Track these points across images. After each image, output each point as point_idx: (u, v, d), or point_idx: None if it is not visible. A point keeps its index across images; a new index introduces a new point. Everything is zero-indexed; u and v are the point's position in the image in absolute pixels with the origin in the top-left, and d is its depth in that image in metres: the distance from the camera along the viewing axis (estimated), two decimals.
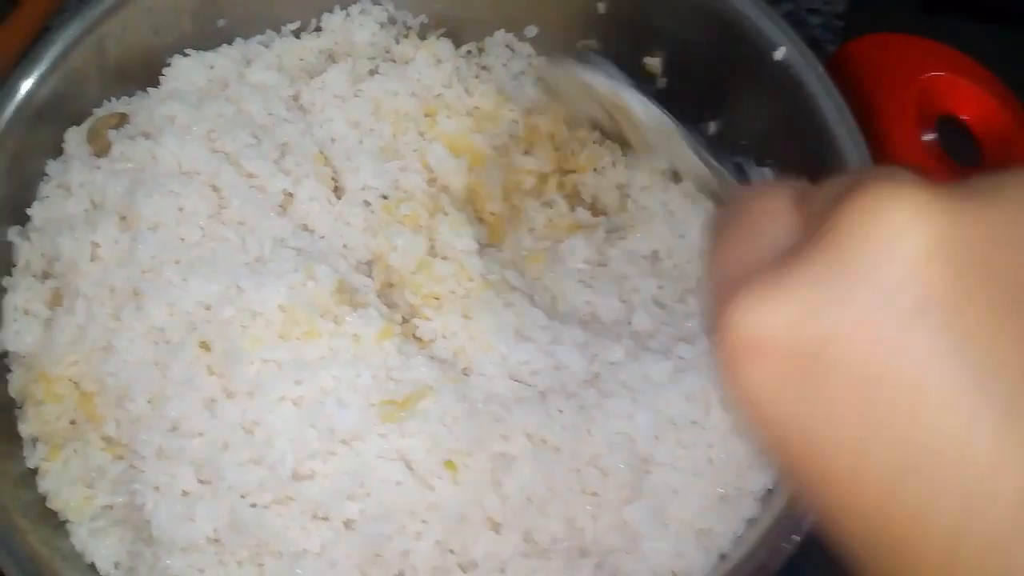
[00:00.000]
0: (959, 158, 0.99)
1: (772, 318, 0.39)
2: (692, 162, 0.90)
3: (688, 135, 0.91)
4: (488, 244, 1.00)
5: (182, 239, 0.91)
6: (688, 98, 1.07)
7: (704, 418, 0.92)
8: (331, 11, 1.13)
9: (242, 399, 0.84)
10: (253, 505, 0.83)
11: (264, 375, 0.84)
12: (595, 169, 1.07)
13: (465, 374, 0.89)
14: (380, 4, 1.14)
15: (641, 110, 0.93)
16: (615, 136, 1.05)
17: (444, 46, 1.11)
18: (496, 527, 0.85)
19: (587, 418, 0.89)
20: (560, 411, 0.88)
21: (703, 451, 0.91)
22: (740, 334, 0.40)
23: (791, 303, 0.39)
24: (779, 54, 0.95)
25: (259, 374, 0.84)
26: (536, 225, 1.04)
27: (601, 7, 1.08)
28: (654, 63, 1.10)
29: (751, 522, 0.88)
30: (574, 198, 1.08)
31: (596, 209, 1.07)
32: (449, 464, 0.84)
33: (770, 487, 0.89)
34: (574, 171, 1.08)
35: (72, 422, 0.90)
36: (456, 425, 0.85)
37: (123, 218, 0.93)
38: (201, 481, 0.84)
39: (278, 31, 1.13)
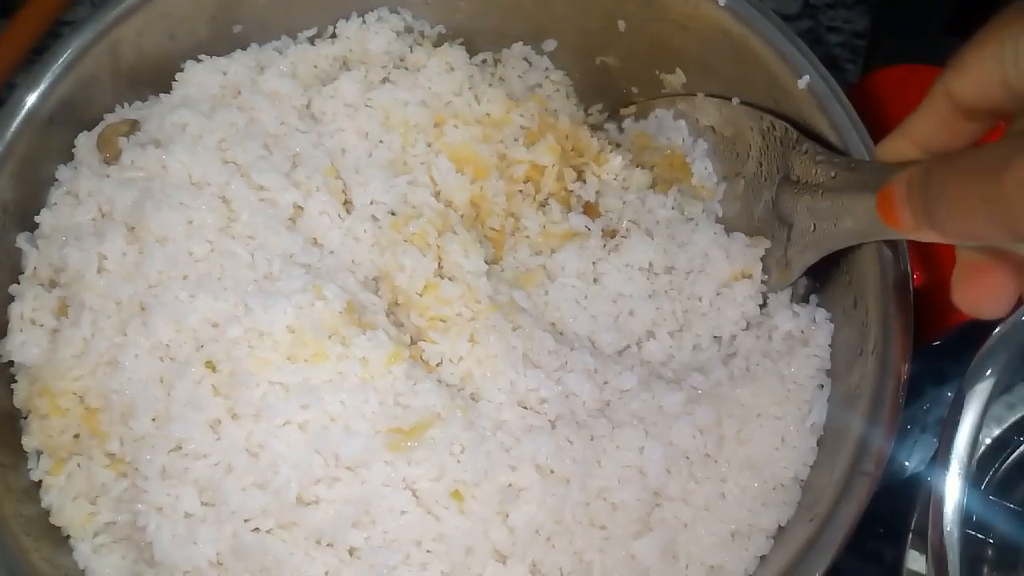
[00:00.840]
0: None
1: None
2: None
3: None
4: (492, 262, 0.99)
5: (190, 253, 0.90)
6: None
7: (717, 451, 0.91)
8: (347, 18, 1.11)
9: (247, 422, 0.83)
10: (256, 530, 0.82)
11: (270, 398, 0.83)
12: (597, 164, 1.06)
13: (473, 399, 0.88)
14: (398, 12, 1.12)
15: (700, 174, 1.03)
16: None
17: (458, 54, 1.09)
18: (503, 559, 0.84)
19: (597, 449, 0.88)
20: (570, 442, 0.87)
21: (715, 486, 0.90)
22: None
23: None
24: (803, 82, 0.93)
25: (265, 397, 0.83)
26: (531, 234, 1.02)
27: (621, 25, 1.06)
28: (673, 79, 1.08)
29: (763, 560, 0.87)
30: (569, 202, 1.06)
31: (593, 210, 1.05)
32: (456, 494, 0.83)
33: (783, 524, 0.88)
34: (581, 164, 1.06)
35: (76, 436, 0.89)
36: (464, 455, 0.83)
37: (131, 229, 0.92)
38: (204, 503, 0.83)
39: (294, 37, 1.11)
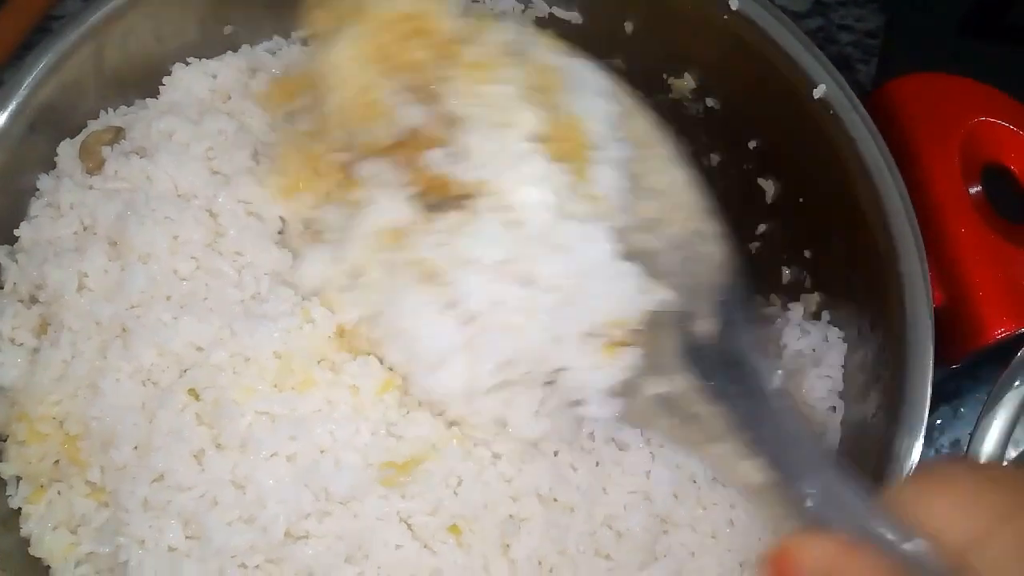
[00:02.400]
0: (1006, 212, 0.93)
1: None
2: None
3: None
4: None
5: (175, 271, 0.86)
6: (718, 121, 1.02)
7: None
8: None
9: (233, 453, 0.78)
10: (243, 566, 0.78)
11: (256, 428, 0.78)
12: None
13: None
14: None
15: None
16: None
17: None
18: None
19: (603, 475, 0.84)
20: (574, 469, 0.83)
21: (724, 512, 0.86)
22: None
23: None
24: (819, 92, 0.89)
25: (251, 427, 0.79)
26: None
27: (628, 27, 1.02)
28: (682, 84, 1.04)
29: None
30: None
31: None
32: (454, 528, 0.79)
33: None
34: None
35: (56, 463, 0.85)
36: (461, 487, 0.80)
37: (114, 244, 0.88)
38: (188, 537, 0.79)
39: (287, 38, 1.06)
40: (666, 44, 1.01)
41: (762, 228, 1.02)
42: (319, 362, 0.81)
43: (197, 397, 0.80)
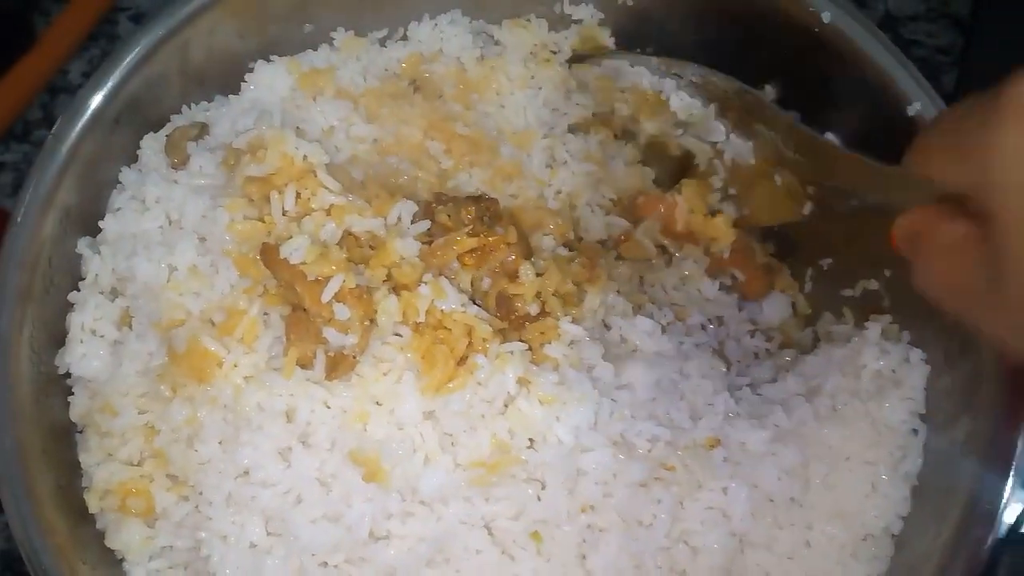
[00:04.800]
0: None
1: None
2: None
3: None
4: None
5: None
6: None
7: (803, 496, 0.87)
8: (419, 20, 1.06)
9: (320, 451, 0.78)
10: (324, 564, 0.78)
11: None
12: None
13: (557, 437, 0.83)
14: (471, 16, 1.08)
15: (679, 105, 0.97)
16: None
17: None
18: None
19: (681, 490, 0.84)
20: (657, 479, 0.83)
21: (800, 532, 0.86)
22: None
23: None
24: (913, 110, 0.88)
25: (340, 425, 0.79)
26: None
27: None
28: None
29: None
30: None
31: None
32: (535, 535, 0.79)
33: None
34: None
35: (137, 460, 0.85)
36: (545, 492, 0.79)
37: (202, 239, 0.88)
38: (271, 534, 0.79)
39: (364, 38, 1.07)
40: (748, 54, 1.00)
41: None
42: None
43: None
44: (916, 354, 0.91)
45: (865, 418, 0.90)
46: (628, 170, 1.03)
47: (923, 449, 0.88)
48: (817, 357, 0.97)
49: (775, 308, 1.04)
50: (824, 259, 1.03)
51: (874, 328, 0.95)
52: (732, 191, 1.00)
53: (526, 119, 1.02)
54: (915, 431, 0.89)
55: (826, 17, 0.91)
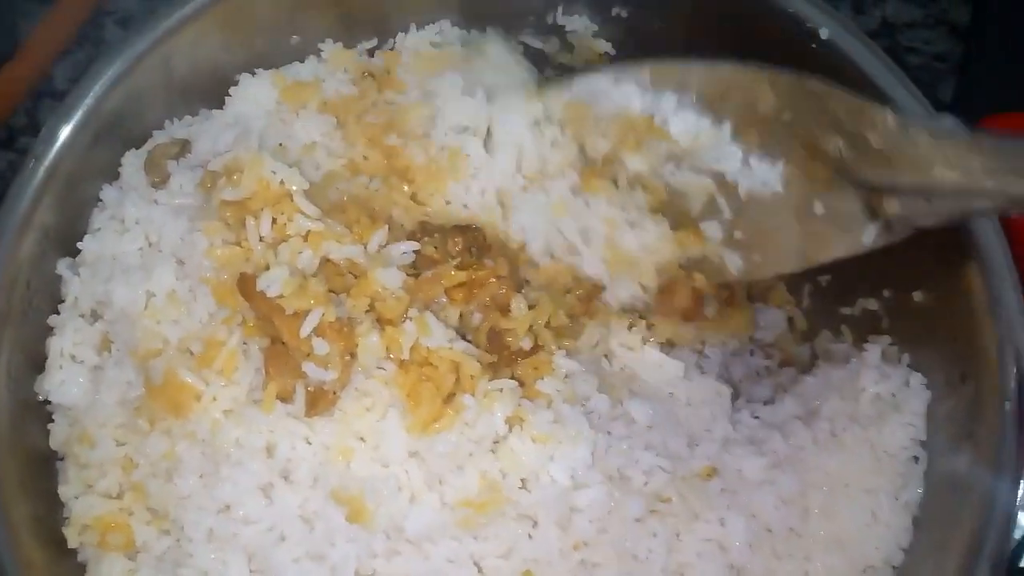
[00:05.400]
0: None
1: None
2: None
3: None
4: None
5: None
6: None
7: (802, 526, 0.85)
8: (406, 30, 1.04)
9: (302, 488, 0.76)
10: None
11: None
12: None
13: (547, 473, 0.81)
14: (458, 26, 1.05)
15: (681, 128, 0.83)
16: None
17: None
18: None
19: (677, 521, 0.82)
20: (652, 512, 0.81)
21: (799, 564, 0.84)
22: None
23: None
24: None
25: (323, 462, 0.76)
26: None
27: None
28: None
29: None
30: None
31: None
32: (527, 574, 0.77)
33: None
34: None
35: (117, 492, 0.82)
36: (536, 530, 0.77)
37: (181, 263, 0.85)
38: (253, 572, 0.76)
39: (352, 48, 1.04)
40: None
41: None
42: None
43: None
44: (916, 378, 0.89)
45: (864, 444, 0.88)
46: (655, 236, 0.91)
47: (924, 477, 0.86)
48: (815, 378, 0.95)
49: (770, 322, 1.02)
50: (823, 276, 1.01)
51: (873, 350, 0.93)
52: (738, 235, 0.88)
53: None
54: (916, 458, 0.87)
55: (824, 33, 0.89)
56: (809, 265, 0.86)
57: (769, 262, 0.88)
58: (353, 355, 0.77)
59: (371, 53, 1.04)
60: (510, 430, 0.78)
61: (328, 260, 0.81)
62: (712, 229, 0.88)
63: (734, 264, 0.89)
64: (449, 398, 0.78)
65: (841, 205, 0.80)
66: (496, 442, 0.78)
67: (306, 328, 0.76)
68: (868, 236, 0.79)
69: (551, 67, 1.05)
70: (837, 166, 0.77)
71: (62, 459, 0.86)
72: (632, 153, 0.87)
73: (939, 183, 0.70)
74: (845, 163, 0.76)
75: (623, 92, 0.87)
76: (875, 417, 0.89)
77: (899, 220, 0.76)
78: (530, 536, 0.77)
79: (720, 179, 0.86)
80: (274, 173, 0.84)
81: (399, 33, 1.04)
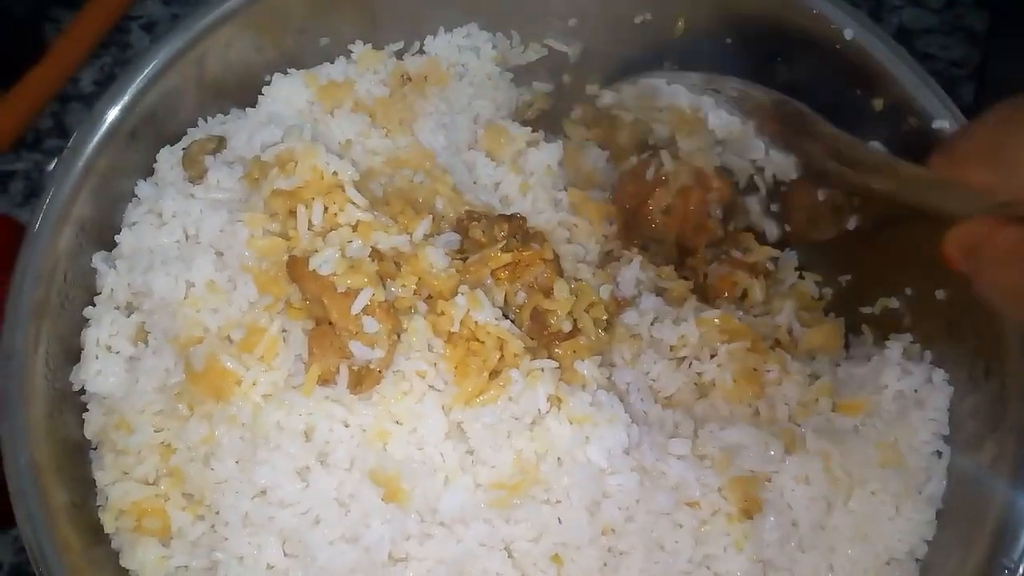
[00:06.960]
0: None
1: None
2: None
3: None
4: None
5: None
6: None
7: (826, 519, 0.86)
8: (435, 34, 1.06)
9: (338, 470, 0.78)
10: None
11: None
12: None
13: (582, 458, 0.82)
14: (486, 30, 1.07)
15: (718, 123, 0.96)
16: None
17: None
18: None
19: (704, 514, 0.83)
20: (681, 503, 0.82)
21: (823, 556, 0.85)
22: None
23: None
24: (938, 124, 0.87)
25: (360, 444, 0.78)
26: None
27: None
28: None
29: None
30: None
31: None
32: (556, 558, 0.78)
33: None
34: None
35: (153, 478, 0.84)
36: (567, 515, 0.78)
37: (220, 254, 0.87)
38: (288, 555, 0.78)
39: (381, 51, 1.06)
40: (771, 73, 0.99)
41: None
42: None
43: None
44: (939, 374, 0.90)
45: (887, 439, 0.88)
46: None
47: (948, 471, 0.87)
48: (838, 376, 0.96)
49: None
50: (843, 276, 1.02)
51: (895, 347, 0.94)
52: (774, 208, 0.99)
53: None
54: (939, 453, 0.88)
55: (848, 34, 0.91)
56: (816, 240, 0.98)
57: (795, 232, 1.00)
58: (399, 336, 0.78)
59: (399, 55, 1.06)
60: (549, 410, 0.79)
61: (375, 250, 0.82)
62: (752, 203, 1.00)
63: (771, 232, 1.01)
64: (493, 375, 0.79)
65: (833, 194, 0.93)
66: (534, 422, 0.80)
67: (358, 304, 0.77)
68: (851, 223, 0.92)
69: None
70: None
71: (96, 448, 0.87)
72: (686, 138, 1.01)
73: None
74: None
75: (673, 91, 0.99)
76: (897, 413, 0.90)
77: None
78: (560, 521, 0.78)
79: (753, 163, 0.98)
80: (327, 164, 0.85)
81: (427, 36, 1.06)
